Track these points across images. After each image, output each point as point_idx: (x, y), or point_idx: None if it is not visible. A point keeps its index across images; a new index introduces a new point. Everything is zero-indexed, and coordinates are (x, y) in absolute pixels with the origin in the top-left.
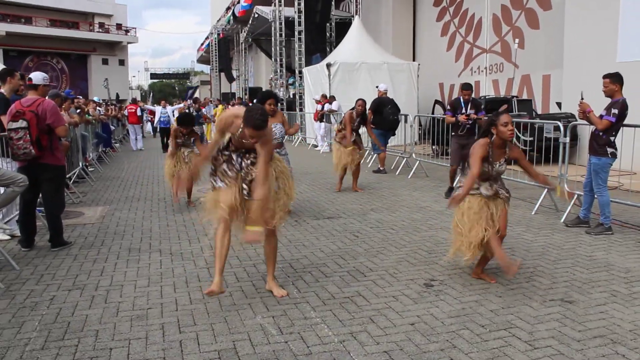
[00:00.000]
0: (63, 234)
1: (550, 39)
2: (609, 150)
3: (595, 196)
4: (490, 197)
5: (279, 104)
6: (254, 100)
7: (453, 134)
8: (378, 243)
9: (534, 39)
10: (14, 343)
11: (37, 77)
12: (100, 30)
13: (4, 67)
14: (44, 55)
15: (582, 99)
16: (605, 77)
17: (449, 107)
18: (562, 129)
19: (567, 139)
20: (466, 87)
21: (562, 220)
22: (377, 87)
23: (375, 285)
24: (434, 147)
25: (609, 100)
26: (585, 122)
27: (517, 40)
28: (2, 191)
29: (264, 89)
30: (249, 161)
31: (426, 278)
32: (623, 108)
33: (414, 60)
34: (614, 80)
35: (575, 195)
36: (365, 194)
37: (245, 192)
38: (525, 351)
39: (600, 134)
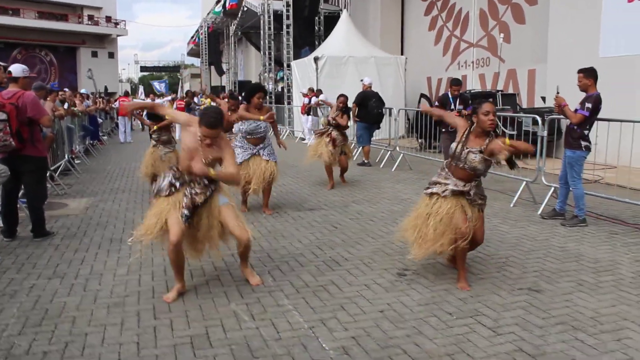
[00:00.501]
0: (45, 225)
1: (535, 34)
2: (583, 143)
3: (570, 189)
4: (457, 194)
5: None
6: (243, 94)
7: (443, 130)
8: (356, 234)
9: (520, 34)
10: None
11: (16, 69)
12: (90, 22)
13: None
14: (32, 47)
15: (557, 92)
16: (579, 71)
17: (437, 104)
18: (539, 122)
19: (545, 133)
20: (455, 83)
21: (539, 212)
22: (361, 80)
23: (349, 275)
24: (420, 140)
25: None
26: (563, 116)
27: (502, 35)
28: None
29: (253, 82)
30: (194, 190)
31: (400, 268)
32: (597, 102)
33: (402, 54)
34: (588, 75)
35: (552, 188)
36: (348, 186)
37: (184, 218)
38: (489, 337)
39: (575, 127)
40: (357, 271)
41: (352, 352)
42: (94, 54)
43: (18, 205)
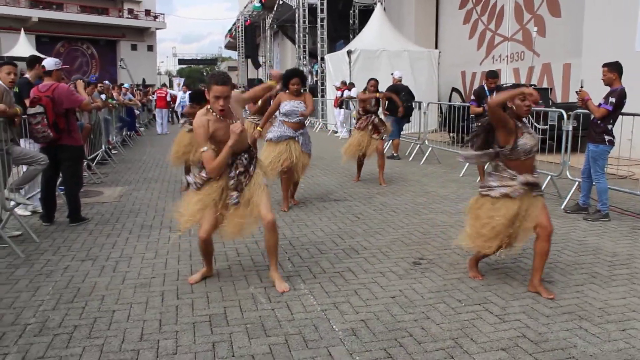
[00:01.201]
0: (81, 211)
1: (571, 27)
2: (607, 138)
3: (594, 183)
4: (525, 193)
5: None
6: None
7: (479, 124)
8: (377, 224)
9: (556, 27)
10: (29, 304)
11: (49, 63)
12: (129, 16)
13: (35, 53)
14: (74, 41)
15: (581, 87)
16: (604, 66)
17: (473, 97)
18: (565, 117)
19: (570, 127)
20: (492, 75)
21: (562, 206)
22: (392, 74)
23: (366, 262)
24: (451, 134)
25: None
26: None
27: (536, 28)
28: (25, 169)
29: (290, 68)
30: (238, 170)
31: (416, 257)
32: (621, 97)
33: (436, 48)
34: (612, 69)
35: (577, 183)
36: (374, 179)
37: (231, 200)
38: (494, 324)
39: (598, 122)
40: (374, 259)
41: (359, 334)
42: (134, 47)
43: (57, 193)
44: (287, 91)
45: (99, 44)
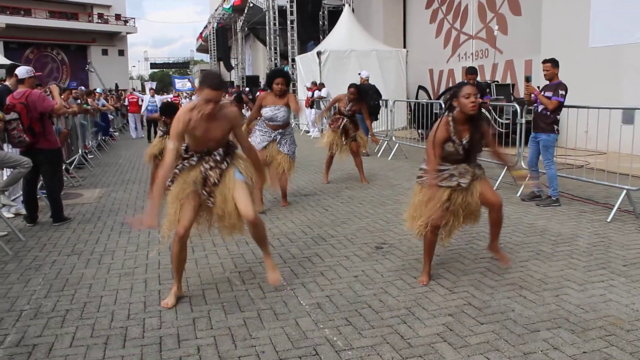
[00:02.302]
0: (63, 211)
1: (531, 25)
2: (556, 127)
3: (545, 170)
4: (466, 184)
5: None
6: (251, 88)
7: None
8: (344, 215)
9: (517, 25)
10: (22, 293)
11: (21, 71)
12: (100, 21)
13: (4, 59)
14: (44, 46)
15: (528, 81)
16: (547, 61)
17: (440, 94)
18: (519, 110)
19: (524, 120)
20: (471, 72)
21: (518, 194)
22: (359, 74)
23: (332, 248)
24: (419, 131)
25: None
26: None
27: (497, 27)
28: (8, 173)
29: (260, 78)
30: (208, 165)
31: (378, 242)
32: (566, 89)
33: (404, 47)
34: (554, 64)
35: (534, 176)
36: (342, 174)
37: (205, 197)
38: (444, 294)
39: (548, 113)
40: (339, 245)
41: (324, 307)
42: (104, 52)
43: (38, 196)
44: (271, 91)
45: (69, 49)
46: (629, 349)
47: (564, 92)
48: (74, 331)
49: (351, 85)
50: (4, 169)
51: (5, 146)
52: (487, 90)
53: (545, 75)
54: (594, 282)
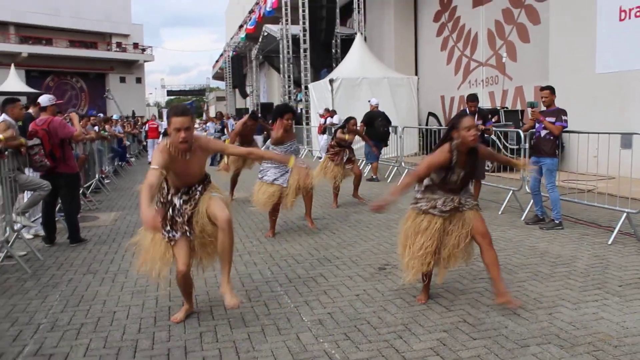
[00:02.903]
0: (80, 233)
1: (540, 52)
2: (557, 151)
3: (548, 194)
4: (447, 213)
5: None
6: (266, 115)
7: None
8: (350, 238)
9: (526, 52)
10: (40, 308)
11: (44, 100)
12: (118, 49)
13: (26, 87)
14: (63, 74)
15: (533, 107)
16: (546, 88)
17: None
18: (522, 137)
19: (527, 146)
20: (472, 99)
21: (522, 218)
22: (369, 101)
23: (337, 269)
24: None
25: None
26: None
27: (505, 54)
28: (28, 195)
29: (274, 105)
30: (181, 200)
31: (382, 263)
32: (566, 114)
33: (416, 74)
34: (552, 91)
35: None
36: (351, 198)
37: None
38: (441, 312)
39: (551, 137)
40: (344, 266)
41: (325, 323)
42: (122, 80)
43: (56, 218)
44: (277, 125)
45: (88, 77)
46: None
47: (566, 118)
48: (87, 343)
49: (351, 118)
50: (25, 191)
51: (27, 170)
52: (489, 116)
53: (544, 102)
54: (588, 302)
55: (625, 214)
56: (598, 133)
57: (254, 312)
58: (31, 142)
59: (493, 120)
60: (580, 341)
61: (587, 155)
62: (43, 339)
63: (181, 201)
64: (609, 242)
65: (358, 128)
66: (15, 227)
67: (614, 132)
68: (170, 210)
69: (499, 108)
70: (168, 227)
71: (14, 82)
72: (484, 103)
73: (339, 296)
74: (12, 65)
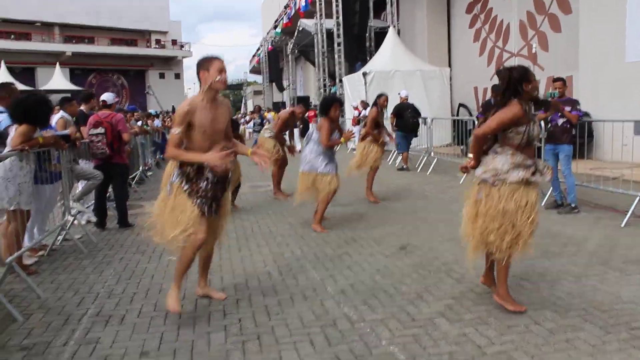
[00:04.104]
0: (128, 218)
1: (571, 42)
2: (573, 139)
3: (565, 179)
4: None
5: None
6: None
7: None
8: (376, 221)
9: (557, 42)
10: (97, 281)
11: (109, 97)
12: (157, 46)
13: (71, 85)
14: (105, 72)
15: (553, 97)
16: (559, 80)
17: (481, 110)
18: (542, 126)
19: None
20: (497, 89)
21: (542, 204)
22: (399, 94)
23: (361, 248)
24: (461, 147)
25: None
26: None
27: (535, 44)
28: (83, 184)
29: (311, 98)
30: (215, 179)
31: (403, 243)
32: (579, 104)
33: (449, 66)
34: (564, 83)
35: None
36: (381, 187)
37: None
38: (452, 284)
39: (568, 126)
40: (368, 246)
41: (346, 292)
42: (161, 76)
43: (107, 206)
44: (328, 117)
45: (129, 74)
46: (600, 323)
47: (580, 107)
48: (140, 307)
49: (382, 95)
50: (79, 181)
51: (81, 162)
52: None
53: (559, 91)
54: (589, 276)
55: (638, 198)
56: (612, 121)
57: (284, 284)
58: (96, 130)
59: None
60: (574, 307)
61: (611, 144)
62: (102, 305)
63: (215, 179)
64: (622, 225)
65: (389, 117)
66: (72, 213)
67: (622, 120)
68: (204, 184)
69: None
70: (201, 199)
71: (59, 80)
72: None
73: (360, 271)
74: (57, 64)
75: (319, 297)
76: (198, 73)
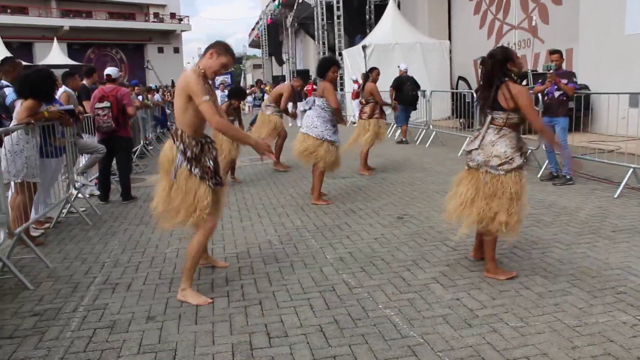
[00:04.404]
0: (131, 191)
1: (571, 15)
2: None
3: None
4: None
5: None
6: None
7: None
8: (375, 193)
9: (558, 14)
10: (103, 251)
11: (113, 71)
12: (155, 20)
13: (68, 59)
14: (103, 46)
15: (550, 70)
16: (554, 52)
17: (482, 82)
18: (539, 98)
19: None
20: (484, 62)
21: (538, 175)
22: (398, 66)
23: (360, 218)
24: (460, 120)
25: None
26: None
27: (534, 17)
28: (86, 158)
29: (311, 72)
30: (215, 150)
31: (401, 214)
32: (576, 76)
33: (449, 39)
34: (561, 55)
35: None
36: (380, 159)
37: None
38: (447, 251)
39: (564, 98)
40: (366, 216)
41: (345, 259)
42: (160, 50)
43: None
44: (326, 80)
45: (127, 48)
46: (587, 288)
47: (576, 79)
48: (145, 275)
49: (374, 68)
50: (83, 155)
51: (84, 135)
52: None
53: (557, 63)
54: (580, 244)
55: (631, 170)
56: (608, 94)
57: (284, 252)
58: (102, 104)
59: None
60: (563, 272)
61: (607, 117)
62: (109, 273)
63: (215, 154)
64: (615, 196)
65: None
66: (76, 186)
67: (618, 92)
68: (210, 162)
69: (529, 71)
70: (211, 179)
71: (57, 55)
72: None
73: (359, 239)
74: (55, 38)
75: (319, 265)
76: (207, 50)
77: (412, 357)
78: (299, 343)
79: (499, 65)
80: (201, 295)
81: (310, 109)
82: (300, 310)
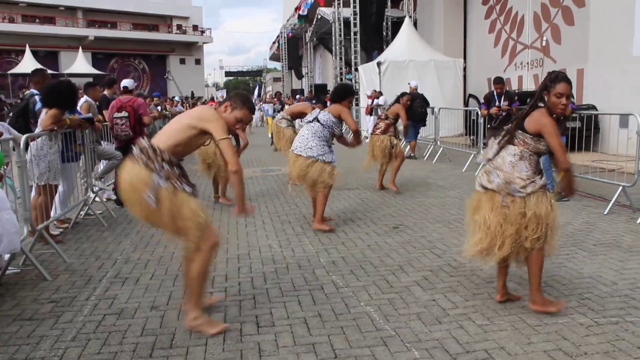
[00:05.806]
0: None
1: (583, 35)
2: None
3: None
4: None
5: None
6: (319, 96)
7: (489, 126)
8: (375, 204)
9: (570, 35)
10: (116, 249)
11: (129, 83)
12: (178, 31)
13: (92, 69)
14: (127, 57)
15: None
16: (499, 82)
17: (483, 101)
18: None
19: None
20: (497, 81)
21: None
22: (409, 83)
23: (357, 227)
24: (471, 137)
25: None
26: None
27: (545, 37)
28: (104, 164)
29: (329, 86)
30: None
31: (396, 224)
32: (574, 97)
33: (464, 57)
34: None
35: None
36: (387, 174)
37: None
38: (432, 259)
39: (562, 117)
40: (364, 225)
41: (337, 263)
42: (182, 61)
43: None
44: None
45: (150, 59)
46: (555, 294)
47: (574, 100)
48: (153, 271)
49: (405, 94)
50: (101, 160)
51: (103, 142)
52: (515, 98)
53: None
54: (560, 255)
55: (621, 187)
56: (603, 114)
57: (282, 255)
58: (120, 114)
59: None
60: None
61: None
62: (120, 269)
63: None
64: (605, 212)
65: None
66: (94, 190)
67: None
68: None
69: (530, 91)
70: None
71: (82, 64)
72: (529, 85)
73: (353, 246)
74: (80, 48)
75: (312, 267)
76: (228, 99)
77: (383, 347)
78: (283, 332)
79: (542, 89)
80: (214, 322)
81: (311, 121)
82: (289, 304)
